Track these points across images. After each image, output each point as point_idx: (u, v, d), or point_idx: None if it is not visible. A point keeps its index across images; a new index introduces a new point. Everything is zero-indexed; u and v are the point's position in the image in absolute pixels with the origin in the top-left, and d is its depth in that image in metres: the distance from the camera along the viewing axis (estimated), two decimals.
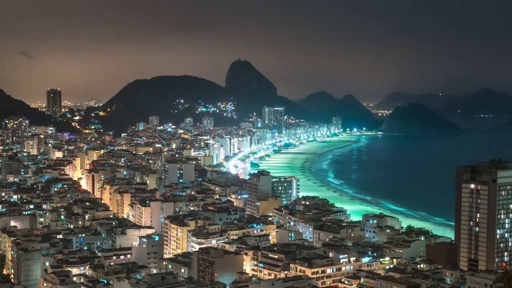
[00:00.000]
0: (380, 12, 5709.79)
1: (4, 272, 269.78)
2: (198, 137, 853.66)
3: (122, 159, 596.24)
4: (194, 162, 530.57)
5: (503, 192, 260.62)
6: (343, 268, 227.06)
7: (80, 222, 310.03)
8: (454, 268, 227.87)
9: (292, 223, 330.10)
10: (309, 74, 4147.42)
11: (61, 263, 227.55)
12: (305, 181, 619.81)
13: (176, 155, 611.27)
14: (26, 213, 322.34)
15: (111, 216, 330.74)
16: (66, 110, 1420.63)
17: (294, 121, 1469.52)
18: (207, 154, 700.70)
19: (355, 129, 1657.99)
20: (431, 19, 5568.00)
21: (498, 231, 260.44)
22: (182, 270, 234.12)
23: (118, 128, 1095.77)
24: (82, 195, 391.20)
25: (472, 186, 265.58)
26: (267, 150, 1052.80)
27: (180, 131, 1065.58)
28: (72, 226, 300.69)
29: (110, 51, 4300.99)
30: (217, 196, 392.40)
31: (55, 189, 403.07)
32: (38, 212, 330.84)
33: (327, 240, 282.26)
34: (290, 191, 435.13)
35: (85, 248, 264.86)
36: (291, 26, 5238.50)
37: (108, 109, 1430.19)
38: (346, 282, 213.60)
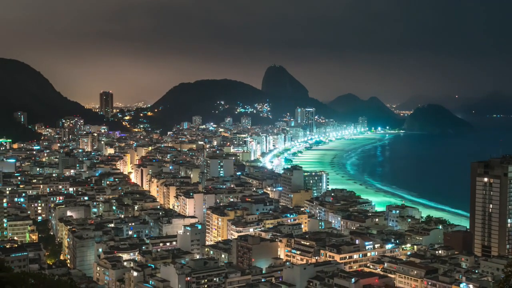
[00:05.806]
0: (402, 22, 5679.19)
1: (61, 257, 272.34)
2: (237, 135, 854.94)
3: (168, 155, 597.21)
4: (233, 158, 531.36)
5: None
6: (368, 254, 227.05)
7: (130, 212, 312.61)
8: (469, 254, 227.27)
9: (322, 213, 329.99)
10: (337, 78, 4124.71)
11: (112, 250, 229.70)
12: (334, 175, 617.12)
13: (217, 152, 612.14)
14: (81, 204, 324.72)
15: (158, 206, 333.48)
16: (117, 110, 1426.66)
17: (324, 121, 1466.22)
18: (245, 151, 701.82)
19: (379, 128, 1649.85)
20: (449, 28, 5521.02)
21: (509, 220, 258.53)
22: (223, 256, 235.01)
23: (164, 127, 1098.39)
24: (132, 188, 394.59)
25: (486, 179, 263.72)
26: (299, 147, 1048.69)
27: (221, 129, 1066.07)
28: (122, 216, 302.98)
29: (157, 57, 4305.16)
30: (254, 189, 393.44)
31: (107, 182, 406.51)
32: (92, 203, 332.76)
33: (354, 228, 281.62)
34: (320, 184, 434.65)
35: (135, 235, 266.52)
36: (321, 35, 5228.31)
37: (156, 110, 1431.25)
38: (371, 266, 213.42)
